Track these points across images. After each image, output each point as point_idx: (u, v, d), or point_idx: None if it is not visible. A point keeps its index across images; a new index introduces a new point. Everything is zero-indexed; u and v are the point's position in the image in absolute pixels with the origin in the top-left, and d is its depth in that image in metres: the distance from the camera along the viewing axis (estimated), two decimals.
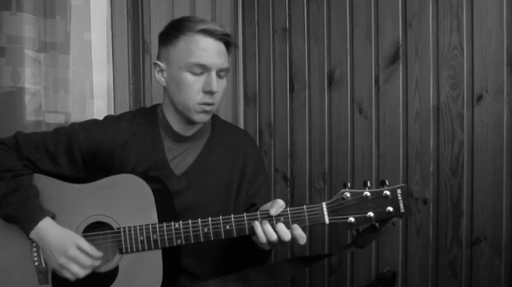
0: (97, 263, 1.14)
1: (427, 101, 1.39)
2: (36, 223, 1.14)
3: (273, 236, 1.06)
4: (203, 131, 1.33)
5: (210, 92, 1.20)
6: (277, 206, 1.08)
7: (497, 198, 1.26)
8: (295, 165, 1.78)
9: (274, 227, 1.07)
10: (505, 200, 1.25)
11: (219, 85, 1.22)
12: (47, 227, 1.14)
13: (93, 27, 1.89)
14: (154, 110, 1.34)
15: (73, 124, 1.29)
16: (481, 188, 1.29)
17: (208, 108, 1.23)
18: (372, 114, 1.52)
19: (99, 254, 1.14)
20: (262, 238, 1.07)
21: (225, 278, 1.14)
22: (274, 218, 1.07)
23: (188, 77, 1.20)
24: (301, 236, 1.06)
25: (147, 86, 1.90)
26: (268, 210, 1.08)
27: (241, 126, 1.98)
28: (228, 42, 1.25)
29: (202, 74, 1.21)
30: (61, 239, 1.13)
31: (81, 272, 1.12)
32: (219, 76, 1.23)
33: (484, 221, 1.29)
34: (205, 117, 1.25)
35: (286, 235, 1.06)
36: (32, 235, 1.14)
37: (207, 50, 1.19)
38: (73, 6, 1.84)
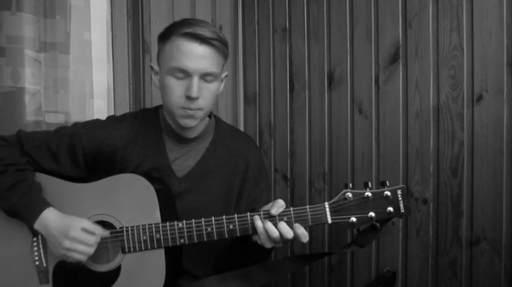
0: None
1: (427, 101, 1.39)
2: (40, 212, 1.14)
3: (275, 233, 1.07)
4: (205, 133, 1.32)
5: (189, 98, 1.17)
6: (278, 205, 1.09)
7: (497, 198, 1.26)
8: (295, 165, 1.78)
9: (277, 225, 1.08)
10: (505, 200, 1.25)
11: (203, 90, 1.19)
12: (50, 216, 1.14)
13: (93, 27, 1.89)
14: (156, 111, 1.33)
15: (75, 124, 1.29)
16: (481, 188, 1.29)
17: (191, 112, 1.19)
18: (372, 114, 1.53)
19: (105, 232, 1.14)
20: (263, 234, 1.08)
21: (224, 275, 1.15)
22: (277, 217, 1.08)
23: (171, 81, 1.18)
24: (304, 234, 1.08)
25: (147, 86, 1.90)
26: (269, 210, 1.09)
27: (241, 126, 1.98)
28: (219, 45, 1.19)
29: (184, 78, 1.18)
30: (63, 223, 1.13)
31: (89, 250, 1.12)
32: (205, 81, 1.19)
33: (484, 221, 1.29)
34: (192, 122, 1.22)
35: (288, 232, 1.07)
36: (36, 225, 1.14)
37: (189, 54, 1.16)
38: (73, 6, 1.84)
